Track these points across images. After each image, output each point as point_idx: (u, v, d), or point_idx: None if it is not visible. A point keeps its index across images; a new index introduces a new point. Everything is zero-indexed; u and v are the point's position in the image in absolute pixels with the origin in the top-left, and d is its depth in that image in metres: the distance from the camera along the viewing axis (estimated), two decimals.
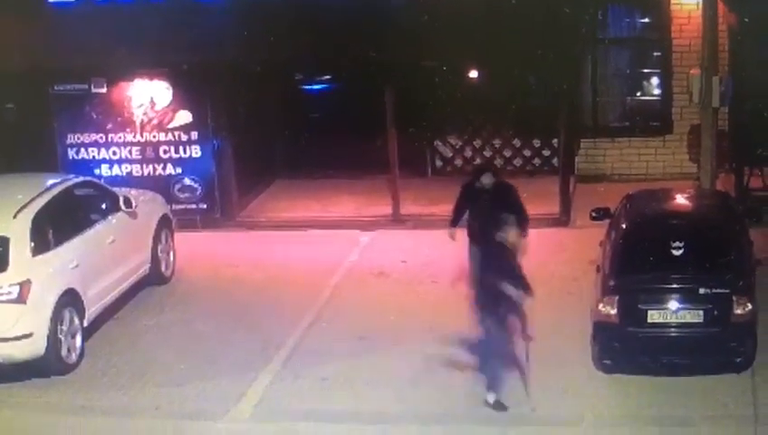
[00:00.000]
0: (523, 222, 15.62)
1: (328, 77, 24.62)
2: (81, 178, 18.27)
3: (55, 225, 16.34)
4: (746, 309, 14.61)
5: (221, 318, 17.54)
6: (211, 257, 20.41)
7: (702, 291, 14.71)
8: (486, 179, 16.27)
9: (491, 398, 14.05)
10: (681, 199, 17.97)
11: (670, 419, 13.95)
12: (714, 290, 14.68)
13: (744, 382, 14.59)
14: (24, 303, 15.03)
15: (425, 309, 17.61)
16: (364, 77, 21.72)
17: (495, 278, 13.87)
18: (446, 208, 20.68)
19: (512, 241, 14.03)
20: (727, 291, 14.66)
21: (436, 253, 19.31)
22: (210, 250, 20.77)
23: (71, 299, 15.88)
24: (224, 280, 19.30)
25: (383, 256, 20.20)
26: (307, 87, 24.76)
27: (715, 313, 14.62)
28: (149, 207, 19.22)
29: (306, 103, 24.60)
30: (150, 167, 21.97)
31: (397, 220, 21.82)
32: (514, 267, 13.99)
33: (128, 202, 18.16)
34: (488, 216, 15.43)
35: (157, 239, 18.92)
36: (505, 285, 13.77)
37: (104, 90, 21.76)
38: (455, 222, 16.78)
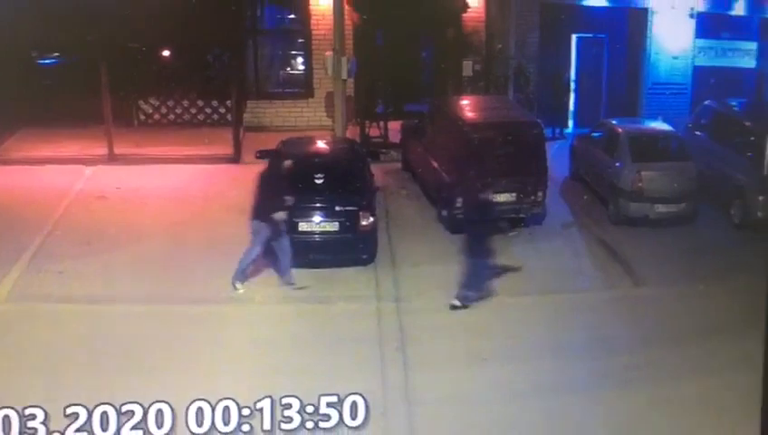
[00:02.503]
0: None
1: (57, 54, 23.40)
2: None
3: None
4: (369, 221, 15.25)
5: None
6: None
7: (337, 208, 15.27)
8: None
9: (457, 302, 13.95)
10: (321, 144, 18.09)
11: (316, 298, 14.37)
12: (345, 208, 15.26)
13: (368, 272, 15.29)
14: None
15: (136, 223, 17.24)
16: (85, 53, 20.99)
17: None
18: (149, 150, 21.14)
19: None
20: (355, 208, 15.22)
21: (143, 182, 19.09)
22: None
23: None
24: None
25: (102, 184, 19.44)
26: (43, 61, 23.49)
27: (347, 223, 15.19)
28: None
29: (42, 73, 23.24)
30: None
31: (112, 158, 20.97)
32: None
33: None
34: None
35: None
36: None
37: None
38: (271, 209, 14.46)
